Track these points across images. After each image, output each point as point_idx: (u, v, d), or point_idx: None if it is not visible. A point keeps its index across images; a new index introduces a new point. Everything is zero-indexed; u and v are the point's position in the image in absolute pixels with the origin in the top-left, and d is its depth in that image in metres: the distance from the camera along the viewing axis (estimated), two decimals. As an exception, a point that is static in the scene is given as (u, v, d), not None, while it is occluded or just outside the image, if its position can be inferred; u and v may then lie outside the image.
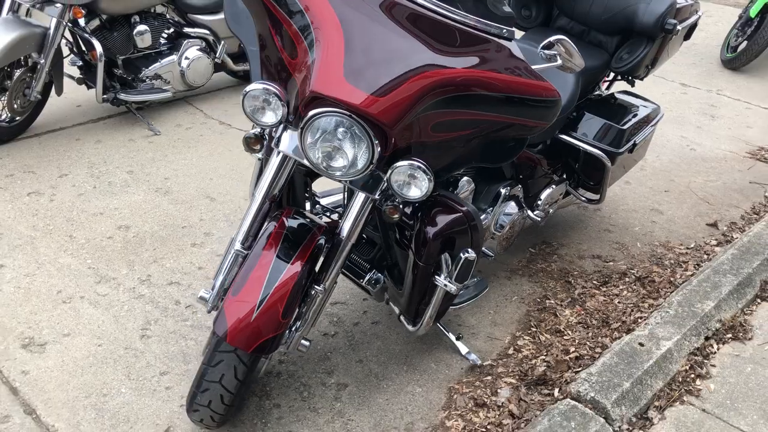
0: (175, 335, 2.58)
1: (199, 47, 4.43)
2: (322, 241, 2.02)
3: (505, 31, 1.93)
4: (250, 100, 1.91)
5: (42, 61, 3.80)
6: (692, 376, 2.41)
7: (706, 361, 2.49)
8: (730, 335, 2.62)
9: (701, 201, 3.74)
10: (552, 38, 2.07)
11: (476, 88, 1.90)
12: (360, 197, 2.04)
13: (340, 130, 1.85)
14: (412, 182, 1.91)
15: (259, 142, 2.05)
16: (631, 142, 2.88)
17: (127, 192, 3.51)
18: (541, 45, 2.07)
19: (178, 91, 4.41)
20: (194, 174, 3.72)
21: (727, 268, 2.88)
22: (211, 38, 4.50)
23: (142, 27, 4.15)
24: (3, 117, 3.86)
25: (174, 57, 4.34)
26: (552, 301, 2.85)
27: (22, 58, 3.77)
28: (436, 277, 2.11)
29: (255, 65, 2.11)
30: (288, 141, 2.01)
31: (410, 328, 2.32)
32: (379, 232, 2.36)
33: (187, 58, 4.37)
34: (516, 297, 2.89)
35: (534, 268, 3.08)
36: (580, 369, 2.40)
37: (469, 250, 2.08)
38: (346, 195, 2.38)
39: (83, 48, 4.12)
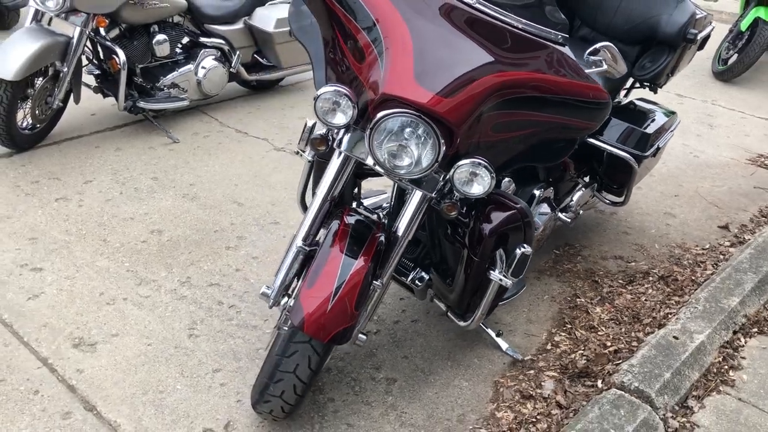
0: (223, 334, 2.63)
1: (214, 57, 4.50)
2: (381, 238, 2.10)
3: (560, 36, 2.04)
4: (321, 102, 1.99)
5: (65, 69, 3.85)
6: (725, 367, 2.52)
7: (736, 353, 2.61)
8: (755, 329, 2.74)
9: (710, 205, 3.89)
10: (598, 45, 2.19)
11: (536, 90, 2.01)
12: (417, 195, 2.12)
13: (407, 130, 1.93)
14: (474, 179, 2.00)
15: (324, 143, 2.13)
16: (655, 146, 3.01)
17: (155, 198, 3.55)
18: (587, 51, 2.19)
19: (193, 99, 4.48)
20: (219, 180, 3.77)
21: (747, 267, 3.01)
22: (226, 48, 4.57)
23: (161, 36, 4.21)
24: (25, 125, 3.89)
25: (191, 66, 4.40)
26: (582, 300, 2.95)
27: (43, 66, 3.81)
28: (491, 272, 2.20)
29: (320, 71, 2.20)
30: (350, 142, 2.09)
31: (461, 323, 2.41)
32: (425, 231, 2.44)
33: (203, 67, 4.44)
34: (547, 296, 2.99)
35: (560, 269, 3.19)
36: (620, 362, 2.50)
37: (525, 245, 2.17)
38: (395, 195, 2.45)
39: (102, 57, 4.17)
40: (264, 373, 2.03)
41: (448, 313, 2.46)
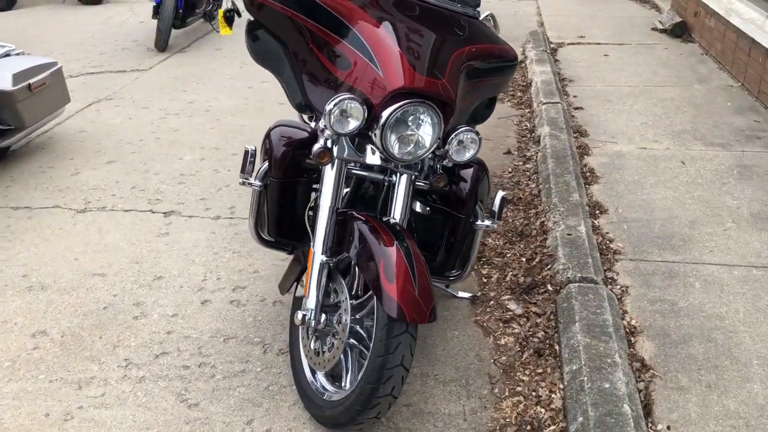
0: (219, 391, 2.48)
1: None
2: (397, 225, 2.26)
3: (476, 11, 2.41)
4: (334, 114, 2.05)
5: None
6: (606, 242, 3.23)
7: (601, 231, 3.34)
8: (597, 211, 3.52)
9: (484, 140, 4.64)
10: (485, 13, 2.61)
11: (479, 59, 2.35)
12: (403, 179, 2.32)
13: (410, 117, 2.13)
14: (467, 146, 2.27)
15: (328, 155, 2.18)
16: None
17: (-5, 303, 3.01)
18: (481, 18, 2.59)
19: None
20: (51, 262, 3.32)
21: (560, 171, 3.78)
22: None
23: None
24: None
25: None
26: (472, 238, 3.41)
27: None
28: (478, 222, 2.50)
29: (293, 89, 2.22)
30: (345, 148, 2.21)
31: (448, 282, 2.66)
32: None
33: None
34: (445, 245, 3.38)
35: (434, 222, 3.60)
36: (548, 265, 3.03)
37: (500, 191, 2.53)
38: (351, 189, 2.57)
39: None
40: (368, 377, 2.05)
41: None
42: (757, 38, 5.03)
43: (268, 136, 2.50)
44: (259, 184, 2.49)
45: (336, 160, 2.22)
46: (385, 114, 2.08)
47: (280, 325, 2.83)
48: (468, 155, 2.29)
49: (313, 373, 2.39)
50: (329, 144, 2.19)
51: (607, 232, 3.34)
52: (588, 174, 3.92)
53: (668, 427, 2.20)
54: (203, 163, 4.36)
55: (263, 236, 2.63)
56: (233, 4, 3.16)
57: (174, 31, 6.99)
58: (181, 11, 6.78)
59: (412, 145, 2.16)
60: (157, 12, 6.65)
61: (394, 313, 1.98)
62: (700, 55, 6.17)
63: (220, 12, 3.03)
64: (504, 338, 2.71)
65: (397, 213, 2.32)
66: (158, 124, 5.02)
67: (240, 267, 3.24)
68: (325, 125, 2.11)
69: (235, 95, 5.60)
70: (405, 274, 2.03)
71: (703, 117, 4.73)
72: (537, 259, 3.11)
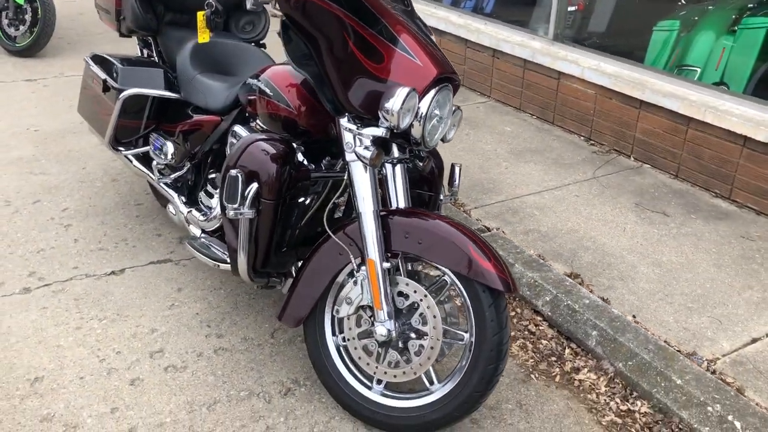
0: (270, 457, 2.13)
1: None
2: None
3: (407, -8, 2.48)
4: (406, 108, 1.96)
5: None
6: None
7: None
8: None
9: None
10: None
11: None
12: (399, 169, 2.30)
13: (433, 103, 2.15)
14: (455, 124, 2.36)
15: (381, 156, 2.06)
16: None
17: None
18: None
19: None
20: None
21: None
22: None
23: None
24: None
25: None
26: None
27: None
28: (442, 197, 2.60)
29: (325, 90, 2.00)
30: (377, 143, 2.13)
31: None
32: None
33: None
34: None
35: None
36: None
37: (453, 162, 2.64)
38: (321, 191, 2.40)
39: None
40: (483, 363, 2.03)
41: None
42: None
43: (244, 154, 2.17)
44: (252, 212, 2.16)
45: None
46: (425, 102, 2.06)
47: (251, 369, 2.49)
48: (453, 133, 2.38)
49: (369, 388, 2.26)
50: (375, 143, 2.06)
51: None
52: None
53: (633, 316, 2.75)
54: None
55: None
56: (214, 4, 2.47)
57: None
58: None
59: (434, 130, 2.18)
60: None
61: (501, 286, 2.02)
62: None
63: (200, 14, 2.28)
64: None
65: (401, 204, 2.29)
66: None
67: (128, 332, 2.66)
68: (388, 124, 2.00)
69: None
70: (491, 251, 2.08)
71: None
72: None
